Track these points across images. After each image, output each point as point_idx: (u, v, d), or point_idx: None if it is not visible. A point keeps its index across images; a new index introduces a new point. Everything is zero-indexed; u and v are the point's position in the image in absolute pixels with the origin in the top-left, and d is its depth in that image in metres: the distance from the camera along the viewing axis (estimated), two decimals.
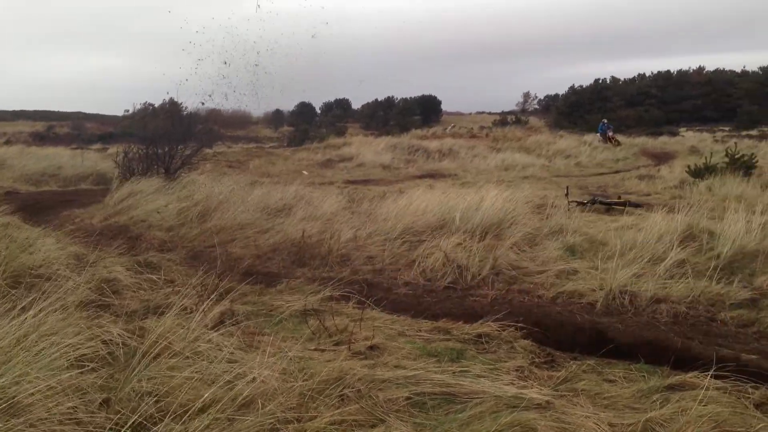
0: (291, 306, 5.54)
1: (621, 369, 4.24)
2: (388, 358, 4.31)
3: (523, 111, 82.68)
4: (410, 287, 6.57)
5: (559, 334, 5.08)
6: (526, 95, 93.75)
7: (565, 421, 3.34)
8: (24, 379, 2.91)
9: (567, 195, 12.05)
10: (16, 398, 2.78)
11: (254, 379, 3.41)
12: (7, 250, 5.72)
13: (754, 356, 4.55)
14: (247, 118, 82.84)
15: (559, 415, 3.40)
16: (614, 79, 74.56)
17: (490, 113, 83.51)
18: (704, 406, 3.36)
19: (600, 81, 72.26)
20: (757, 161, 17.00)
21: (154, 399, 3.17)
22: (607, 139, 34.71)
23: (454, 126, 52.56)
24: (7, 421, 2.62)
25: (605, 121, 37.84)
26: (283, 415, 3.19)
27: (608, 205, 11.69)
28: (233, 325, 4.70)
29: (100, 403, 3.14)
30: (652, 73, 73.59)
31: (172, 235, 9.11)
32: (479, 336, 4.87)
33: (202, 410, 3.05)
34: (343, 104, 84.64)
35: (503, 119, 56.54)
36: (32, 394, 2.87)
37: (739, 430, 3.22)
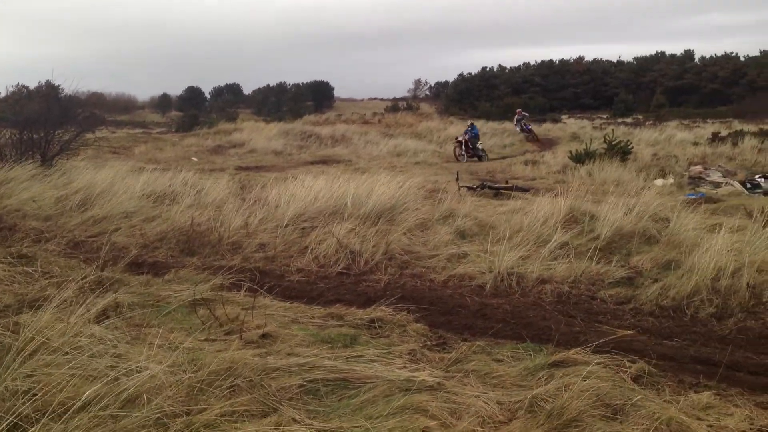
0: (179, 296, 5.36)
1: (509, 349, 4.37)
2: (280, 346, 4.26)
3: (415, 97, 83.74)
4: (303, 274, 6.52)
5: (450, 317, 5.18)
6: (417, 82, 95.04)
7: (456, 402, 3.41)
8: None
9: (457, 180, 12.33)
10: None
11: (140, 373, 3.28)
12: None
13: (630, 331, 4.82)
14: (133, 102, 79.88)
15: (450, 396, 3.47)
16: (501, 68, 76.78)
17: (382, 99, 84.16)
18: (586, 380, 3.52)
19: (487, 69, 74.22)
20: (632, 147, 18.03)
21: (31, 398, 2.98)
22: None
23: (341, 115, 52.43)
24: None
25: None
26: (171, 408, 3.08)
27: (496, 190, 12.05)
28: (118, 317, 4.50)
29: None
30: (536, 62, 76.31)
31: (49, 225, 8.60)
32: (372, 321, 4.90)
33: (84, 408, 2.89)
34: (233, 89, 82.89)
35: (395, 105, 57.02)
36: None
37: (617, 402, 3.40)
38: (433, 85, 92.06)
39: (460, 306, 5.47)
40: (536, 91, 65.73)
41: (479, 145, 24.66)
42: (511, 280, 6.06)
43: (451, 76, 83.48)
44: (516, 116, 33.04)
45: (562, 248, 6.79)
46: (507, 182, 13.39)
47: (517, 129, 32.44)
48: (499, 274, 6.10)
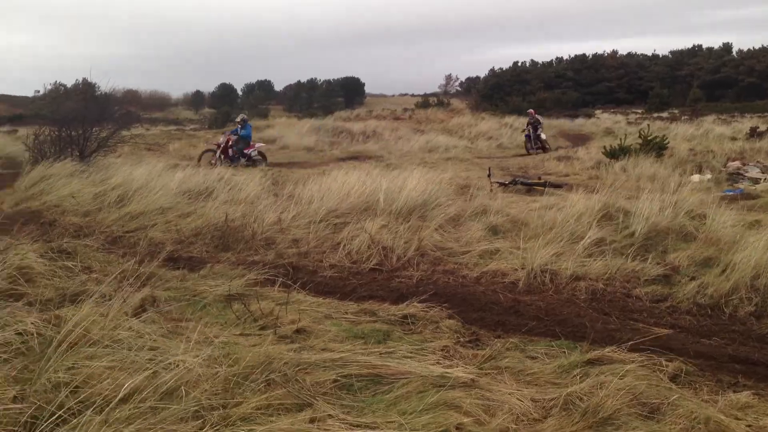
0: (215, 291, 5.43)
1: (543, 346, 4.35)
2: (314, 342, 4.29)
3: (446, 93, 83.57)
4: (336, 270, 6.55)
5: (483, 313, 5.17)
6: (448, 77, 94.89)
7: (490, 398, 3.41)
8: None
9: (489, 176, 12.28)
10: None
11: (177, 366, 3.34)
12: None
13: (667, 330, 4.76)
14: (167, 99, 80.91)
15: (483, 393, 3.47)
16: (533, 63, 76.26)
17: (413, 95, 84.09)
18: (622, 379, 3.49)
19: (519, 64, 73.74)
20: (668, 142, 17.77)
21: (73, 390, 3.05)
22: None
23: (372, 111, 52.48)
24: None
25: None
26: (208, 401, 3.13)
27: (529, 186, 11.98)
28: (155, 311, 4.58)
29: (15, 396, 3.00)
30: (569, 56, 75.59)
31: (88, 221, 8.78)
32: (405, 317, 4.91)
33: (124, 400, 2.95)
34: (265, 86, 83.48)
35: (426, 101, 56.89)
36: None
37: (654, 401, 3.36)
38: (464, 80, 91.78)
39: (492, 303, 5.46)
40: (569, 86, 65.17)
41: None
42: (545, 276, 6.02)
43: (482, 72, 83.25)
44: (528, 119, 25.92)
45: (596, 245, 6.72)
46: (539, 178, 13.30)
47: (524, 136, 25.46)
48: (532, 271, 6.07)
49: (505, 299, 5.55)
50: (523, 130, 26.12)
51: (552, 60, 76.79)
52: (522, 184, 12.19)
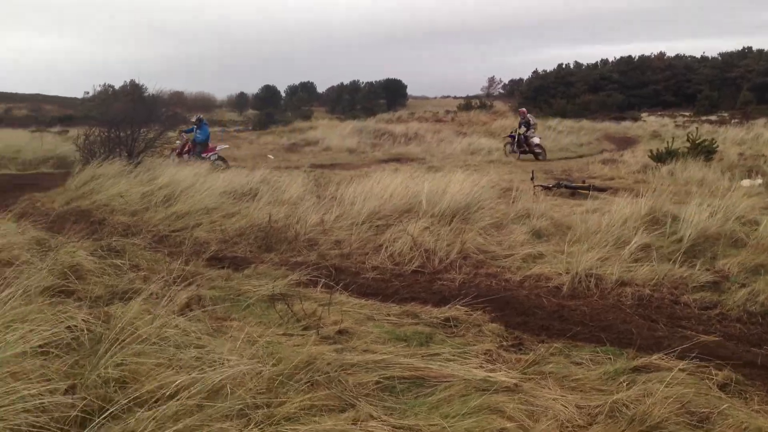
0: (258, 291, 5.49)
1: (588, 352, 4.29)
2: (357, 343, 4.31)
3: (488, 95, 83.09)
4: (378, 271, 6.56)
5: (526, 317, 5.13)
6: (491, 80, 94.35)
7: (534, 404, 3.38)
8: None
9: (532, 179, 12.15)
10: None
11: (223, 365, 3.38)
12: None
13: (716, 337, 4.65)
14: (211, 101, 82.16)
15: (527, 398, 3.44)
16: (577, 64, 75.38)
17: (455, 97, 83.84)
18: (669, 387, 3.42)
19: (563, 66, 72.94)
20: (717, 146, 17.35)
21: (122, 385, 3.12)
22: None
23: (414, 113, 52.46)
24: None
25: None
26: (253, 400, 3.17)
27: (573, 190, 11.82)
28: (201, 310, 4.65)
29: (66, 390, 3.08)
30: (614, 58, 74.50)
31: (136, 220, 8.96)
32: (447, 320, 4.89)
33: (171, 397, 3.01)
34: (308, 87, 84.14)
35: (468, 103, 56.61)
36: None
37: (703, 410, 3.29)
38: (507, 82, 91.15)
39: (536, 307, 5.41)
40: (614, 88, 64.21)
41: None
42: (590, 281, 5.93)
43: (525, 74, 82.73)
44: (519, 119, 23.12)
45: (642, 250, 6.60)
46: (584, 181, 13.11)
47: (508, 136, 23.55)
48: (576, 276, 5.99)
49: (549, 304, 5.49)
50: (511, 133, 23.46)
51: (597, 62, 75.88)
52: (566, 187, 12.04)
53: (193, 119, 18.06)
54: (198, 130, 17.33)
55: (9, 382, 2.85)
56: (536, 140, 22.19)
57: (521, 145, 22.11)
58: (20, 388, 2.84)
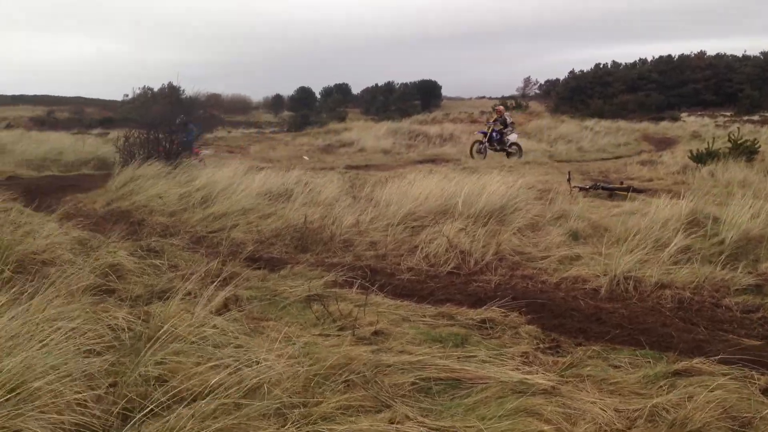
0: (294, 291, 5.53)
1: (626, 355, 4.23)
2: (392, 344, 4.31)
3: (524, 96, 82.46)
4: (413, 273, 6.56)
5: (563, 320, 5.08)
6: (527, 80, 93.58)
7: (571, 407, 3.34)
8: (31, 364, 2.91)
9: (569, 180, 12.04)
10: (24, 383, 2.78)
11: (260, 364, 3.42)
12: (11, 236, 5.71)
13: (759, 342, 4.56)
14: (247, 103, 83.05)
15: (565, 401, 3.40)
16: (615, 64, 74.34)
17: (490, 98, 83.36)
18: (711, 391, 3.36)
19: (601, 66, 72.05)
20: (759, 146, 16.97)
21: (162, 383, 3.17)
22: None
23: (449, 114, 52.26)
24: (15, 406, 2.62)
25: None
26: (290, 400, 3.19)
27: (611, 191, 11.67)
28: (238, 310, 4.70)
29: (107, 387, 3.14)
30: (653, 57, 73.37)
31: (174, 220, 9.09)
32: (483, 321, 4.87)
33: (210, 395, 3.04)
34: (342, 89, 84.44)
35: (504, 104, 56.24)
36: (39, 378, 2.86)
37: (746, 415, 3.22)
38: (543, 82, 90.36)
39: (573, 309, 5.35)
40: (653, 88, 63.21)
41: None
42: (628, 284, 5.85)
43: (561, 74, 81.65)
44: (496, 117, 22.39)
45: (683, 252, 6.49)
46: (622, 183, 12.94)
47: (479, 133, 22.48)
48: (614, 278, 5.91)
49: (587, 306, 5.43)
50: (485, 131, 22.10)
51: (635, 61, 74.76)
52: (603, 188, 11.90)
53: (177, 121, 15.93)
54: (182, 134, 15.66)
55: (54, 381, 2.91)
56: (513, 137, 21.99)
57: (492, 143, 21.58)
58: (68, 386, 2.90)
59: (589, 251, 6.86)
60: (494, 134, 21.46)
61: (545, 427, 3.12)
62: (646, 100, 54.27)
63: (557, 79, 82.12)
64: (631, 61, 75.41)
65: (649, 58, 73.64)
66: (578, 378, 3.79)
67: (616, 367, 4.03)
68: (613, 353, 4.29)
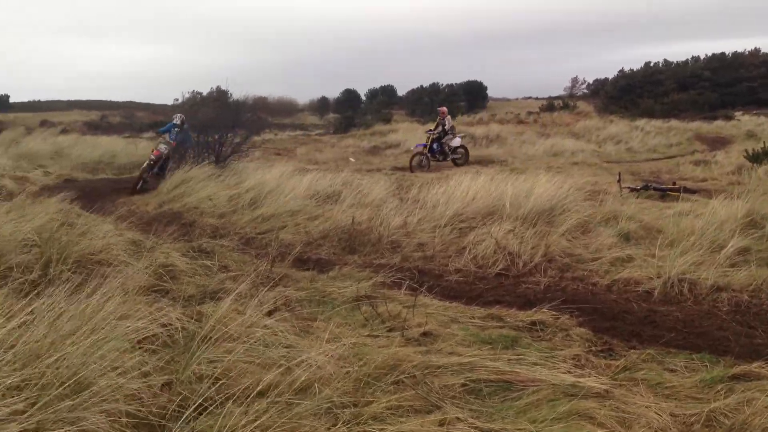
0: (343, 292, 5.56)
1: (682, 359, 4.13)
2: (441, 345, 4.30)
3: (571, 96, 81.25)
4: (461, 274, 6.53)
5: (615, 323, 4.99)
6: (574, 80, 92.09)
7: (625, 411, 3.28)
8: (90, 360, 2.98)
9: (619, 181, 11.83)
10: (83, 379, 2.85)
11: (310, 364, 3.44)
12: (68, 237, 5.88)
13: None
14: (294, 105, 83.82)
15: (618, 405, 3.34)
16: (666, 62, 72.74)
17: (537, 98, 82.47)
18: None
19: (651, 64, 70.62)
20: None
21: (215, 382, 3.22)
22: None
23: (495, 115, 51.89)
24: (75, 400, 2.69)
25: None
26: (340, 400, 3.21)
27: (663, 192, 11.43)
28: (287, 311, 4.75)
29: (162, 384, 3.20)
30: (705, 55, 71.59)
31: (224, 222, 9.24)
32: (533, 323, 4.82)
33: (261, 394, 3.08)
34: (388, 91, 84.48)
35: (551, 104, 55.52)
36: (98, 375, 2.93)
37: None
38: (591, 82, 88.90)
39: (625, 312, 5.25)
40: (705, 87, 61.59)
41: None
42: (682, 286, 5.71)
43: (610, 73, 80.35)
44: (438, 119, 20.12)
45: (740, 254, 6.32)
46: (674, 183, 12.66)
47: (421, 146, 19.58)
48: (668, 280, 5.78)
49: (639, 309, 5.33)
50: (424, 143, 19.61)
51: (687, 59, 72.98)
52: (655, 189, 11.65)
53: (177, 120, 14.29)
54: (179, 134, 14.23)
55: (112, 376, 2.98)
56: (456, 142, 19.77)
57: (435, 154, 19.37)
58: (122, 382, 2.97)
59: (642, 253, 6.73)
60: (434, 145, 19.34)
61: (598, 431, 3.07)
62: (699, 99, 52.95)
63: (606, 78, 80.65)
64: (683, 59, 73.74)
65: (702, 56, 71.93)
66: (632, 381, 3.72)
67: (671, 370, 3.95)
68: (668, 357, 4.20)
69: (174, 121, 14.25)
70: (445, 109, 20.56)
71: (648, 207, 9.54)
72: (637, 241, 7.34)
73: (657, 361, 4.09)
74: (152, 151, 14.50)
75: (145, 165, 14.02)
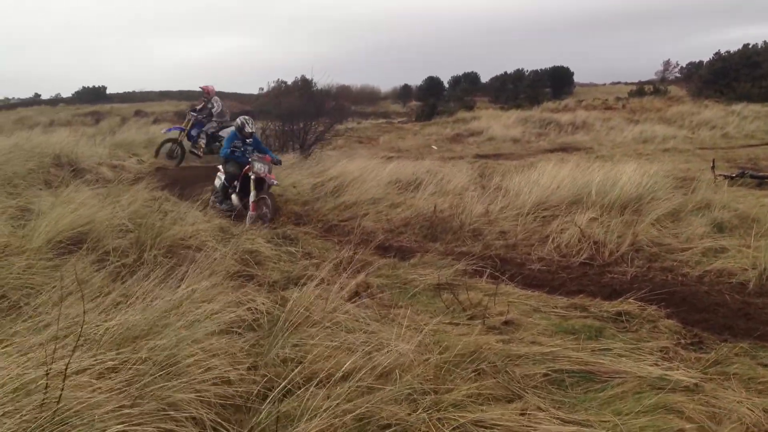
0: (424, 280, 5.57)
1: None
2: (523, 334, 4.26)
3: (663, 80, 78.24)
4: (544, 263, 6.43)
5: (706, 315, 4.81)
6: (666, 63, 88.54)
7: (715, 405, 3.17)
8: (181, 342, 3.11)
9: (713, 168, 11.36)
10: (176, 360, 2.98)
11: (391, 350, 3.47)
12: (161, 223, 6.12)
13: None
14: (376, 93, 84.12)
15: (708, 399, 3.23)
16: (766, 44, 69.02)
17: (626, 83, 79.82)
18: None
19: (750, 46, 67.18)
20: None
21: (297, 365, 3.29)
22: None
23: (582, 101, 50.54)
24: (168, 380, 2.81)
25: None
26: (421, 386, 3.22)
27: (760, 179, 10.89)
28: (369, 297, 4.80)
29: (249, 366, 3.31)
30: None
31: (307, 209, 9.40)
32: (619, 314, 4.71)
33: (344, 378, 3.13)
34: (471, 78, 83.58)
35: (641, 89, 53.61)
36: (189, 356, 3.06)
37: None
38: (684, 66, 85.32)
39: (717, 304, 5.05)
40: None
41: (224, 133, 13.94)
42: None
43: (705, 56, 76.80)
44: (203, 100, 15.30)
45: None
46: None
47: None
48: (764, 271, 5.52)
49: (733, 301, 5.11)
50: (181, 126, 15.18)
51: None
52: (752, 177, 11.12)
53: (249, 126, 9.56)
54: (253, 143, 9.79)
55: (202, 358, 3.10)
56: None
57: (193, 141, 14.84)
58: (213, 363, 3.09)
59: (736, 243, 6.44)
60: (193, 131, 14.87)
61: (687, 426, 2.97)
62: None
63: (700, 62, 77.19)
64: None
65: None
66: (723, 376, 3.59)
67: (765, 365, 3.78)
68: (763, 351, 4.02)
69: (246, 128, 9.45)
70: (212, 87, 15.26)
71: (743, 195, 9.11)
72: (732, 231, 7.02)
73: (750, 356, 3.92)
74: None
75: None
